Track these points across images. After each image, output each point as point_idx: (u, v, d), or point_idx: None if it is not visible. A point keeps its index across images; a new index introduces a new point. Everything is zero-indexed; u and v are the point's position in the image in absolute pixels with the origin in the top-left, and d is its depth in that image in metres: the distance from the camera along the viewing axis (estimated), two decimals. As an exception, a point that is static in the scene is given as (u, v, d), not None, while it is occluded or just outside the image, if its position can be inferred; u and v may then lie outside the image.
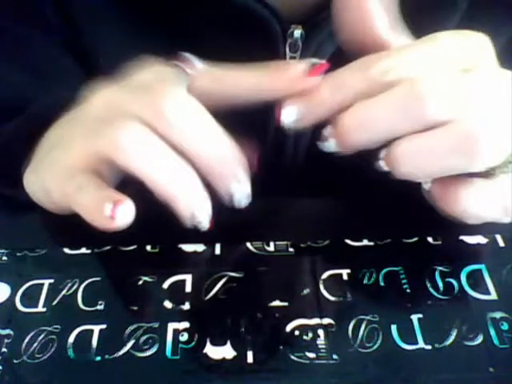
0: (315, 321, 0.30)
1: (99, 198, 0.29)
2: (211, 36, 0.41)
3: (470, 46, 0.29)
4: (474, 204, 0.29)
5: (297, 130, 0.31)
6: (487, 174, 0.29)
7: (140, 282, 0.32)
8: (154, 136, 0.28)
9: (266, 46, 0.40)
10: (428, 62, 0.28)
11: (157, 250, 0.34)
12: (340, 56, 0.42)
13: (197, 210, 0.29)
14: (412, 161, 0.28)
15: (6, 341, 0.29)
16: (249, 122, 0.44)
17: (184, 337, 0.30)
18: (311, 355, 0.29)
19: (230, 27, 0.40)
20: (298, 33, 0.39)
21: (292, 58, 0.40)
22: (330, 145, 0.29)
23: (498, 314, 0.30)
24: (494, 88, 0.28)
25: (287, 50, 0.40)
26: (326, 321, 0.30)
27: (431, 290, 0.32)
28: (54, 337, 0.30)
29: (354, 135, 0.28)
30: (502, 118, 0.27)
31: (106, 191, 0.29)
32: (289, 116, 0.30)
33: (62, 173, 0.31)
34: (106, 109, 0.30)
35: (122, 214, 0.28)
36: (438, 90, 0.27)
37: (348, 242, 0.35)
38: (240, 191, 0.30)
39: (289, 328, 0.30)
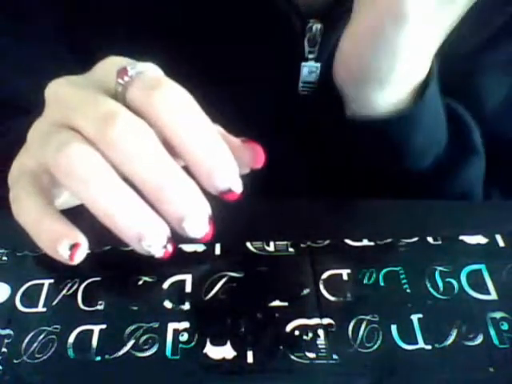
0: (315, 321, 0.30)
1: (55, 235, 0.29)
2: (230, 31, 0.41)
3: None
4: None
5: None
6: None
7: (140, 282, 0.32)
8: (96, 159, 0.27)
9: (285, 40, 0.40)
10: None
11: (157, 250, 0.34)
12: None
13: (144, 239, 0.28)
14: None
15: (6, 341, 0.29)
16: (252, 120, 0.44)
17: (184, 337, 0.30)
18: (311, 355, 0.29)
19: (249, 22, 0.40)
20: (316, 27, 0.39)
21: (310, 52, 0.40)
22: None
23: (498, 314, 0.30)
24: None
25: (306, 44, 0.40)
26: (326, 321, 0.30)
27: (431, 289, 0.32)
28: (53, 337, 0.30)
29: None
30: None
31: (60, 225, 0.29)
32: None
33: (13, 173, 0.32)
34: (57, 112, 0.30)
35: (79, 256, 0.29)
36: None
37: (348, 241, 0.35)
38: (192, 225, 0.28)
39: (289, 328, 0.30)
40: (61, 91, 0.30)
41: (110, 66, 0.30)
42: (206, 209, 0.29)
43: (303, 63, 0.41)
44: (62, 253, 0.29)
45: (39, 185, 0.30)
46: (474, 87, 0.44)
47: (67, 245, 0.29)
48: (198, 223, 0.28)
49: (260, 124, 0.41)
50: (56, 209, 0.30)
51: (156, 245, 0.28)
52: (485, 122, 0.42)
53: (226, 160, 0.28)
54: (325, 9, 0.40)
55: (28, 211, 0.30)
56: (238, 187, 0.29)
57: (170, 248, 0.29)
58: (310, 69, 0.41)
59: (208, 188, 0.28)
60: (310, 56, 0.41)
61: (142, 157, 0.27)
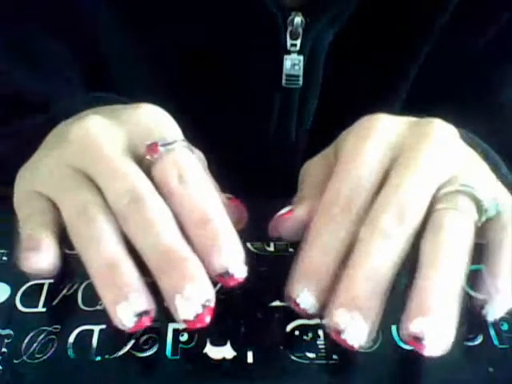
0: (315, 321, 0.30)
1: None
2: (211, 25, 0.41)
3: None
4: None
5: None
6: None
7: (140, 282, 0.32)
8: (101, 216, 0.27)
9: (267, 33, 0.40)
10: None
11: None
12: (340, 42, 0.42)
13: (124, 308, 0.27)
14: None
15: (5, 341, 0.29)
16: (250, 123, 0.44)
17: (184, 337, 0.30)
18: (311, 355, 0.29)
19: (230, 15, 0.40)
20: (298, 20, 0.39)
21: (292, 45, 0.40)
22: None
23: (498, 314, 0.30)
24: None
25: (288, 37, 0.40)
26: (326, 321, 0.30)
27: (431, 290, 0.32)
28: (53, 337, 0.30)
29: None
30: None
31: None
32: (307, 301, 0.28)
33: (19, 196, 0.32)
34: (79, 157, 0.29)
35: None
36: None
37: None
38: (183, 307, 0.26)
39: (289, 328, 0.30)
40: (91, 137, 0.29)
41: (145, 126, 0.30)
42: (207, 291, 0.26)
43: (286, 56, 0.41)
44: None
45: (52, 223, 0.30)
46: (491, 81, 0.43)
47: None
48: (191, 303, 0.26)
49: (246, 119, 0.41)
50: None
51: (129, 314, 0.27)
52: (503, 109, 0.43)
53: (231, 242, 0.28)
54: (306, 1, 0.40)
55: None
56: (240, 272, 0.28)
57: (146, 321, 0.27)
58: (292, 61, 0.41)
59: (207, 269, 0.27)
60: (293, 49, 0.41)
61: (156, 240, 0.27)
